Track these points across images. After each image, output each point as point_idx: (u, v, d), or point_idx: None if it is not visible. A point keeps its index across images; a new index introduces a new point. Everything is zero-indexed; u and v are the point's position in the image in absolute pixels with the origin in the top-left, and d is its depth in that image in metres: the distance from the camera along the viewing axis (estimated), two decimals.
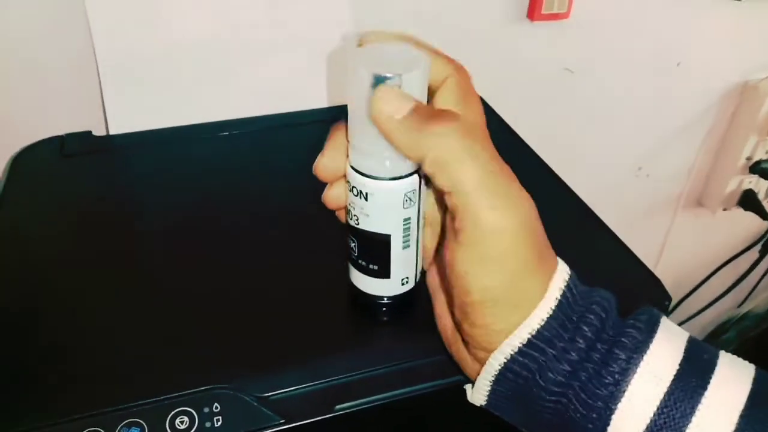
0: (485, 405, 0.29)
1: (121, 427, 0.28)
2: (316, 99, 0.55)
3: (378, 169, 0.29)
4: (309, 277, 0.37)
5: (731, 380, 0.26)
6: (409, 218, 0.31)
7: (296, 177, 0.46)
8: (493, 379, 0.28)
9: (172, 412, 0.29)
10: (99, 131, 0.51)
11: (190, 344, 0.32)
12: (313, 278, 0.37)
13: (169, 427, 0.28)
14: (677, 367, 0.26)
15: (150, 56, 0.51)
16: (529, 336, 0.26)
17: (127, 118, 0.51)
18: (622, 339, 0.26)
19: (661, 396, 0.25)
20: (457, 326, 0.29)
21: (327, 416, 0.30)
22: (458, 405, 0.34)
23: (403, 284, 0.33)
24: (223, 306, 0.35)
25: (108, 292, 0.36)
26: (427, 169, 0.26)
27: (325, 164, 0.31)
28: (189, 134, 0.51)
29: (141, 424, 0.28)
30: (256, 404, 0.29)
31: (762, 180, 0.85)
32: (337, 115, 0.52)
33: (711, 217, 0.90)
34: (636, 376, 0.25)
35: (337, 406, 0.30)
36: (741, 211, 0.88)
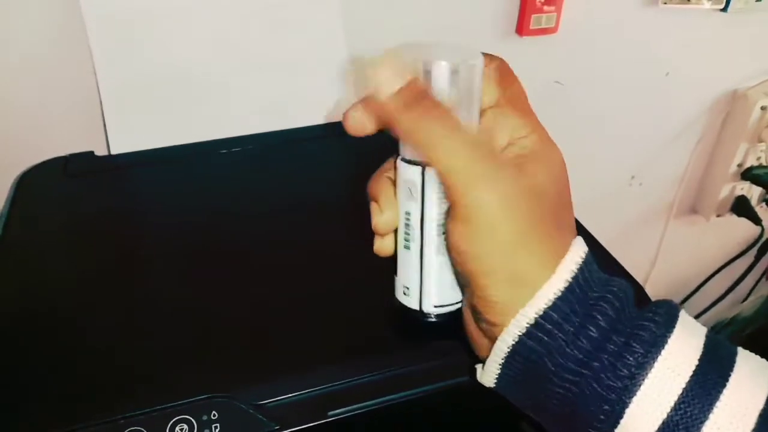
0: (494, 387, 0.29)
1: None
2: (313, 116, 0.57)
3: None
4: (303, 288, 0.38)
5: (750, 378, 0.25)
6: (409, 213, 0.30)
7: (296, 192, 0.48)
8: (502, 360, 0.27)
9: (172, 420, 0.30)
10: (101, 151, 0.52)
11: (189, 354, 0.34)
12: (308, 288, 0.38)
13: None
14: (696, 362, 0.25)
15: (150, 77, 0.53)
16: (537, 315, 0.26)
17: (128, 137, 0.52)
18: (640, 332, 0.26)
19: (679, 392, 0.25)
20: (468, 300, 0.30)
21: (321, 422, 0.31)
22: (450, 410, 0.35)
23: (404, 294, 0.33)
24: (221, 317, 0.36)
25: (109, 306, 0.37)
26: (416, 149, 0.28)
27: (386, 221, 0.31)
28: (189, 153, 0.52)
29: (142, 431, 0.30)
30: (252, 411, 0.31)
31: (754, 186, 0.86)
32: (334, 131, 0.53)
33: (705, 224, 0.91)
34: (653, 370, 0.25)
35: (331, 412, 0.31)
36: (734, 217, 0.89)
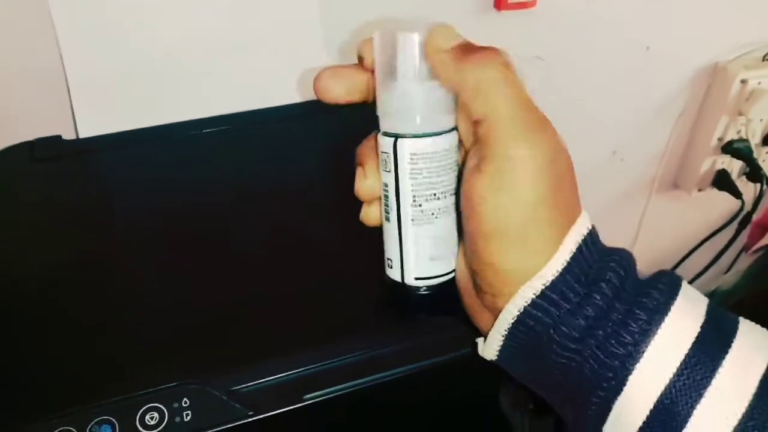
0: (496, 360, 0.29)
1: (92, 425, 0.29)
2: (288, 96, 0.56)
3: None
4: (278, 271, 0.37)
5: (752, 345, 0.26)
6: (387, 185, 0.30)
7: (271, 172, 0.47)
8: (505, 332, 0.27)
9: (142, 409, 0.29)
10: (69, 135, 0.51)
11: (159, 340, 0.33)
12: (280, 271, 0.37)
13: (140, 424, 0.29)
14: (698, 329, 0.26)
15: (118, 58, 0.51)
16: (543, 287, 0.26)
17: (96, 120, 0.51)
18: (643, 299, 0.26)
19: (682, 357, 0.25)
20: (471, 270, 0.29)
21: (297, 406, 0.30)
22: (430, 390, 0.35)
23: (389, 267, 0.32)
24: (193, 302, 0.35)
25: (78, 293, 0.36)
26: (465, 96, 0.27)
27: (369, 186, 0.31)
28: (160, 134, 0.51)
29: (111, 421, 0.29)
30: (225, 398, 0.30)
31: (734, 160, 0.86)
32: (308, 110, 0.52)
33: (686, 199, 0.91)
34: (656, 337, 0.25)
35: (307, 396, 0.31)
36: (715, 191, 0.89)
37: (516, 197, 0.26)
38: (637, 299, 0.26)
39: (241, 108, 0.54)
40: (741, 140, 0.84)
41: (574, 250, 0.27)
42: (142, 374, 0.31)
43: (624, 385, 0.25)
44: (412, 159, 0.29)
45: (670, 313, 0.26)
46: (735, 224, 0.90)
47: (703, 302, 0.27)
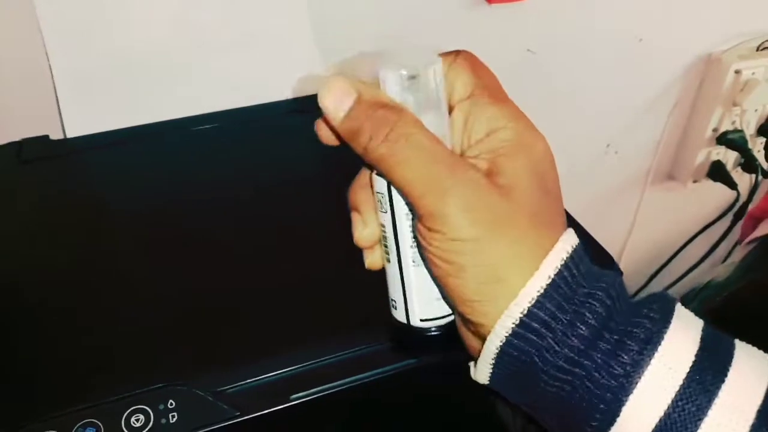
0: (489, 384, 0.28)
1: (77, 427, 0.28)
2: (277, 93, 0.55)
3: None
4: (261, 271, 0.37)
5: (749, 372, 0.25)
6: (384, 226, 0.29)
7: (257, 170, 0.46)
8: (492, 361, 0.27)
9: (128, 411, 0.29)
10: (56, 135, 0.50)
11: (144, 342, 0.33)
12: (266, 271, 0.37)
13: (125, 426, 0.29)
14: (693, 358, 0.25)
15: (105, 56, 0.51)
16: (521, 315, 0.25)
17: (84, 119, 0.50)
18: (634, 330, 0.25)
19: (677, 388, 0.24)
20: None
21: (284, 406, 0.30)
22: (418, 390, 0.35)
23: (393, 308, 0.31)
24: (179, 302, 0.35)
25: (63, 294, 0.36)
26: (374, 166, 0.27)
27: (368, 234, 0.31)
28: (148, 133, 0.51)
29: (97, 424, 0.29)
30: (211, 399, 0.30)
31: (729, 151, 0.86)
32: (300, 106, 0.52)
33: (681, 190, 0.91)
34: (649, 368, 0.24)
35: (294, 396, 0.30)
36: (710, 182, 0.89)
37: (457, 242, 0.26)
38: (628, 329, 0.25)
39: (230, 105, 0.54)
40: (736, 131, 0.84)
41: (552, 276, 0.26)
42: (127, 376, 0.30)
43: (617, 416, 0.25)
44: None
45: (663, 342, 0.25)
46: (730, 215, 0.89)
47: (698, 327, 0.26)
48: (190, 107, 0.53)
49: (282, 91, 0.56)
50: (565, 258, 0.26)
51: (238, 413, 0.29)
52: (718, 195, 0.91)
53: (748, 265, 0.65)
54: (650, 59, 0.78)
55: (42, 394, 0.30)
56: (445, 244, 0.26)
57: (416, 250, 0.29)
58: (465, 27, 0.65)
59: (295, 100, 0.55)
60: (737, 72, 0.78)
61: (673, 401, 0.24)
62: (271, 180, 0.45)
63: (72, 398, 0.29)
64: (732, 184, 0.86)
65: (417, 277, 0.30)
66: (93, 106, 0.51)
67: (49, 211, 0.43)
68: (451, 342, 0.31)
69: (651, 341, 0.25)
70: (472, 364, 0.29)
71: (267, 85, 0.55)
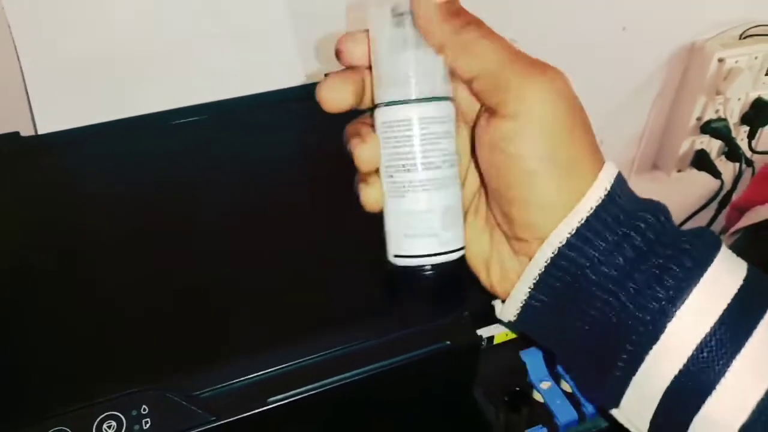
0: (516, 318, 0.28)
1: None
2: (255, 85, 0.54)
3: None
4: (236, 273, 0.36)
5: None
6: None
7: (236, 164, 0.45)
8: (535, 279, 0.27)
9: (99, 417, 0.28)
10: (27, 131, 0.49)
11: (115, 346, 0.32)
12: (241, 274, 0.36)
13: None
14: (741, 282, 0.25)
15: (76, 49, 0.49)
16: (578, 225, 0.25)
17: (56, 115, 0.49)
18: (686, 246, 0.26)
19: (721, 312, 0.25)
20: (495, 218, 0.29)
21: (261, 410, 0.29)
22: (398, 388, 0.34)
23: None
24: (151, 303, 0.34)
25: (31, 296, 0.35)
26: (453, 55, 0.27)
27: (370, 153, 0.29)
28: (122, 128, 0.49)
29: (67, 431, 0.28)
30: (185, 403, 0.29)
31: (713, 140, 0.85)
32: (281, 98, 0.51)
33: (666, 180, 0.91)
34: (699, 285, 0.25)
35: (271, 399, 0.30)
36: (695, 171, 0.89)
37: (540, 135, 0.26)
38: (680, 245, 0.25)
39: (207, 98, 0.52)
40: (719, 119, 0.84)
41: (608, 188, 0.26)
42: (98, 381, 0.30)
43: (661, 332, 0.25)
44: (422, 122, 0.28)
45: (713, 264, 0.25)
46: (715, 204, 0.90)
47: (742, 262, 0.27)
48: (165, 101, 0.51)
49: (261, 83, 0.55)
50: (616, 174, 0.27)
51: (214, 418, 0.29)
52: (703, 184, 0.91)
53: None
54: (634, 48, 0.77)
55: (8, 401, 0.29)
56: (526, 136, 0.26)
57: (388, 181, 0.29)
58: None
59: (275, 93, 0.54)
60: (720, 60, 0.78)
61: (717, 323, 0.24)
62: (253, 174, 0.44)
63: (41, 405, 0.28)
64: (716, 173, 0.86)
65: (388, 209, 0.30)
66: (65, 102, 0.49)
67: (20, 209, 0.42)
68: (431, 338, 0.31)
69: (703, 259, 0.25)
70: (496, 302, 0.29)
71: (243, 77, 0.54)
